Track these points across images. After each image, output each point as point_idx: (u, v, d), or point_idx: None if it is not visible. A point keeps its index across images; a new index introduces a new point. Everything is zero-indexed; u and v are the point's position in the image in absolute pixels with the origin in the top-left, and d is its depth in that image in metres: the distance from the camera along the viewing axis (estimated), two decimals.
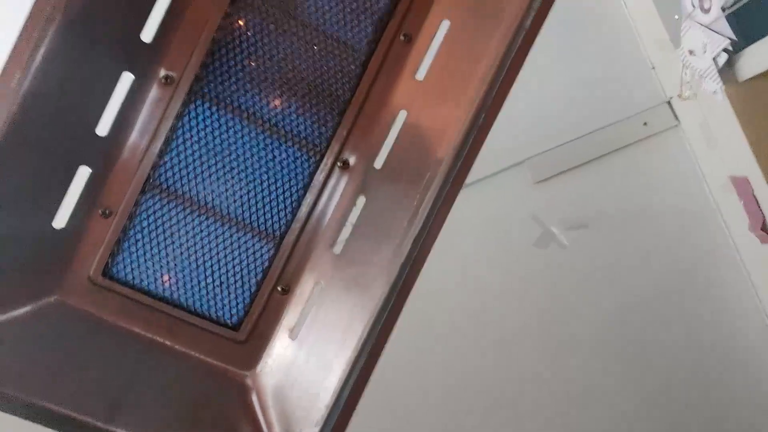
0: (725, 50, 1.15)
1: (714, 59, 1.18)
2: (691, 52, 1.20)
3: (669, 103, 1.32)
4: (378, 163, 0.58)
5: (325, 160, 0.58)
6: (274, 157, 0.57)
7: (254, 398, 0.57)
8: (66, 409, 0.50)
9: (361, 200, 0.58)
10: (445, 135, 0.53)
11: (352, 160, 0.59)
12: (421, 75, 0.57)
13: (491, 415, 1.17)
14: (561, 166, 1.26)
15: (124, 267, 0.57)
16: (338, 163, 0.58)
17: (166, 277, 0.57)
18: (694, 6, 1.18)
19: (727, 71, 1.17)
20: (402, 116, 0.57)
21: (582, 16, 1.27)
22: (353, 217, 0.58)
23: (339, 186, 0.59)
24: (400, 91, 0.57)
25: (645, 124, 1.30)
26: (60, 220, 0.54)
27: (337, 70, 0.57)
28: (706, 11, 1.17)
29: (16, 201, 0.50)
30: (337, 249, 0.58)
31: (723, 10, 1.10)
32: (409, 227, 0.52)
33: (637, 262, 1.26)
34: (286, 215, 0.58)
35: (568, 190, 1.26)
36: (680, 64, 1.23)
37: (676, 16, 1.21)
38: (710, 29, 1.17)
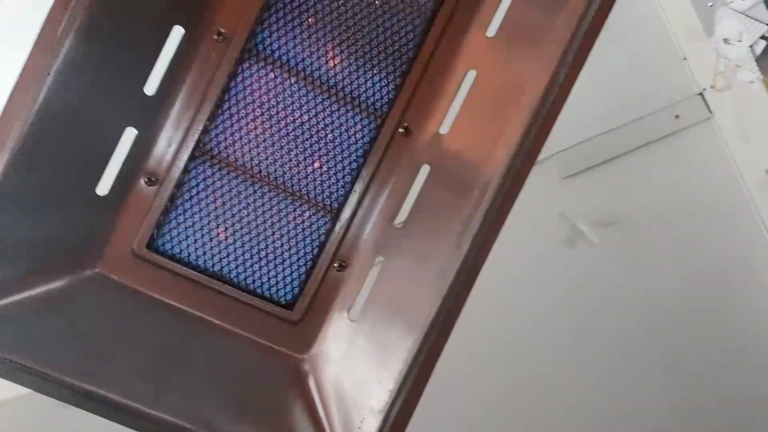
0: (763, 37, 1.12)
1: (751, 47, 1.15)
2: (725, 41, 1.17)
3: (701, 94, 1.28)
4: (443, 129, 0.54)
5: (385, 126, 0.54)
6: (332, 122, 0.53)
7: (310, 382, 0.52)
8: (110, 392, 0.46)
9: (425, 169, 0.54)
10: (521, 96, 0.48)
11: (414, 126, 0.55)
12: (492, 30, 0.53)
13: (522, 410, 1.13)
14: (589, 161, 1.23)
15: (170, 239, 0.52)
16: (400, 130, 0.54)
17: (216, 250, 0.53)
18: None
19: (765, 60, 1.13)
20: (471, 77, 0.53)
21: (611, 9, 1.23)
22: (417, 188, 0.54)
23: (400, 154, 0.54)
24: (469, 49, 0.53)
25: (676, 116, 1.26)
26: (104, 186, 0.50)
27: (401, 26, 0.53)
28: None
29: (57, 171, 0.46)
30: (399, 222, 0.54)
31: None
32: (480, 198, 0.48)
33: (668, 261, 1.22)
34: (344, 185, 0.54)
35: (597, 185, 1.23)
36: (713, 54, 1.19)
37: (710, 4, 1.17)
38: (747, 16, 1.13)
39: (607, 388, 1.15)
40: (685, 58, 1.25)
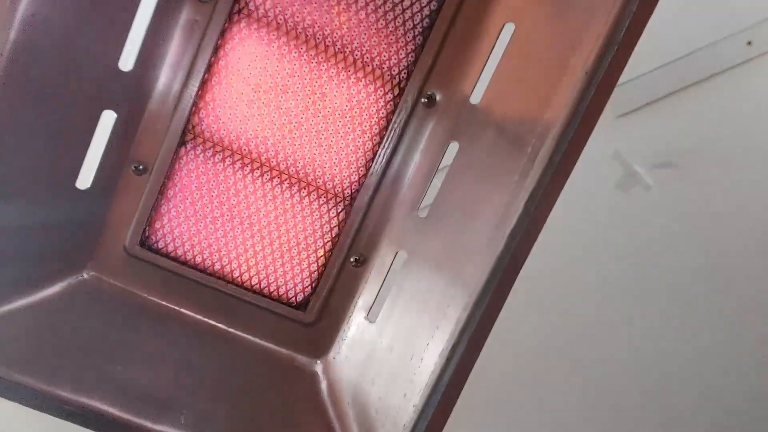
0: None
1: None
2: None
3: None
4: (475, 98, 0.45)
5: (405, 95, 0.45)
6: (341, 92, 0.45)
7: (325, 392, 0.47)
8: (111, 407, 0.42)
9: (454, 147, 0.45)
10: (571, 56, 0.39)
11: (439, 96, 0.46)
12: None
13: (573, 366, 1.09)
14: (647, 96, 1.13)
15: (165, 235, 0.46)
16: (422, 99, 0.45)
17: (216, 246, 0.47)
18: None
19: None
20: (508, 32, 0.43)
21: None
22: (444, 170, 0.46)
23: (424, 129, 0.46)
24: None
25: (749, 43, 1.15)
26: (84, 180, 0.44)
27: None
28: None
29: (26, 159, 0.40)
30: (423, 212, 0.46)
31: None
32: (520, 183, 0.40)
33: (732, 208, 1.14)
34: (357, 169, 0.46)
35: (655, 123, 1.14)
36: None
37: None
38: None
39: (661, 341, 1.10)
40: None
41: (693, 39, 1.10)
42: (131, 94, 0.43)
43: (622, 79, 1.19)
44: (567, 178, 0.40)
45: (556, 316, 1.10)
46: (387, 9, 0.44)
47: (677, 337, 1.12)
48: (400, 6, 0.44)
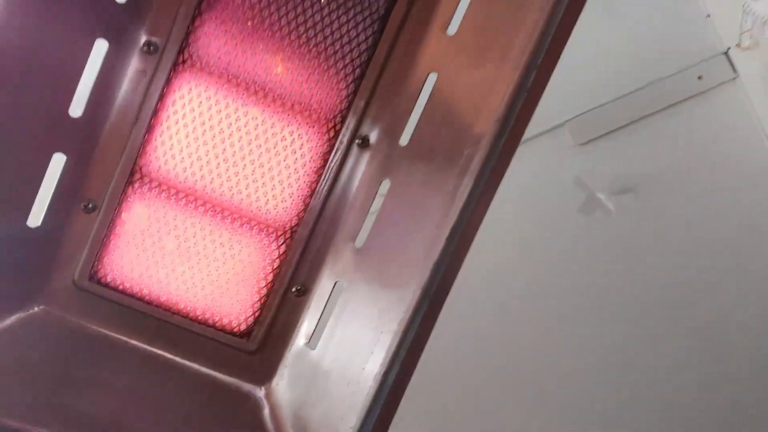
0: None
1: None
2: None
3: (726, 54, 1.20)
4: (404, 140, 0.48)
5: (340, 137, 0.49)
6: (281, 134, 0.48)
7: (268, 417, 0.49)
8: None
9: (386, 184, 0.49)
10: (485, 102, 0.43)
11: (372, 137, 0.49)
12: (453, 29, 0.46)
13: (529, 387, 1.11)
14: (605, 126, 1.18)
15: (113, 269, 0.49)
16: (357, 141, 0.49)
17: (162, 278, 0.49)
18: None
19: None
20: (431, 80, 0.47)
21: None
22: (377, 205, 0.49)
23: (359, 168, 0.49)
24: (429, 49, 0.47)
25: (700, 77, 1.20)
26: (35, 218, 0.46)
27: (351, 26, 0.47)
28: None
29: None
30: (359, 242, 0.49)
31: None
32: (444, 216, 0.43)
33: (691, 229, 1.17)
34: (297, 204, 0.50)
35: (614, 151, 1.18)
36: (739, 11, 1.10)
37: None
38: None
39: (624, 361, 1.12)
40: (708, 15, 1.17)
41: (649, 73, 1.16)
42: (81, 138, 0.46)
43: (581, 109, 1.24)
44: (485, 213, 0.44)
45: (518, 340, 1.12)
46: (322, 60, 0.48)
47: (639, 361, 1.14)
48: (333, 57, 0.48)
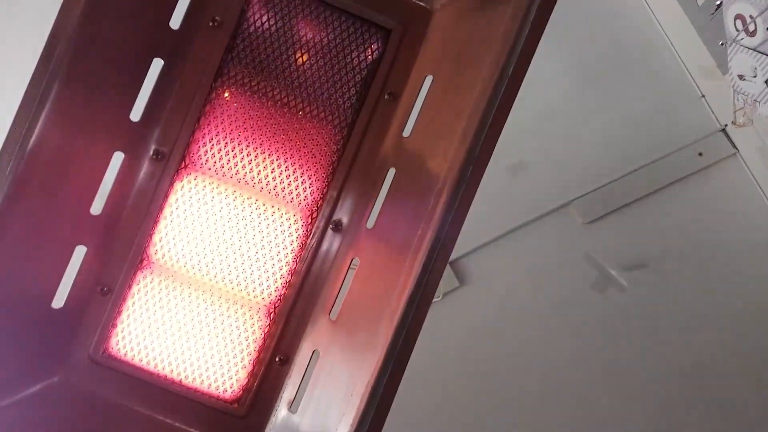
0: None
1: (766, 82, 1.12)
2: (741, 77, 1.14)
3: (724, 131, 1.24)
4: (370, 223, 0.56)
5: (317, 222, 0.57)
6: (266, 221, 0.57)
7: None
8: None
9: (356, 262, 0.56)
10: (432, 191, 0.50)
11: (344, 221, 0.57)
12: (407, 131, 0.55)
13: None
14: (612, 204, 1.21)
15: (123, 344, 0.57)
16: (331, 225, 0.57)
17: (164, 352, 0.56)
18: (738, 30, 1.12)
19: None
20: (391, 174, 0.55)
21: (624, 50, 1.23)
22: (349, 280, 0.56)
23: (333, 249, 0.57)
24: (388, 149, 0.56)
25: (700, 154, 1.24)
26: (59, 300, 0.55)
27: (324, 132, 0.56)
28: (752, 34, 1.11)
29: (12, 285, 0.52)
30: (333, 314, 0.56)
31: None
32: (400, 292, 0.49)
33: (704, 302, 1.17)
34: (279, 283, 0.57)
35: (622, 229, 1.21)
36: (731, 91, 1.16)
37: (721, 42, 1.15)
38: (758, 51, 1.10)
39: None
40: (703, 96, 1.23)
41: (650, 152, 1.21)
42: (100, 232, 0.55)
43: (587, 188, 1.29)
44: (438, 281, 0.50)
45: (536, 420, 1.11)
46: (299, 159, 0.57)
47: None
48: (309, 156, 0.57)
